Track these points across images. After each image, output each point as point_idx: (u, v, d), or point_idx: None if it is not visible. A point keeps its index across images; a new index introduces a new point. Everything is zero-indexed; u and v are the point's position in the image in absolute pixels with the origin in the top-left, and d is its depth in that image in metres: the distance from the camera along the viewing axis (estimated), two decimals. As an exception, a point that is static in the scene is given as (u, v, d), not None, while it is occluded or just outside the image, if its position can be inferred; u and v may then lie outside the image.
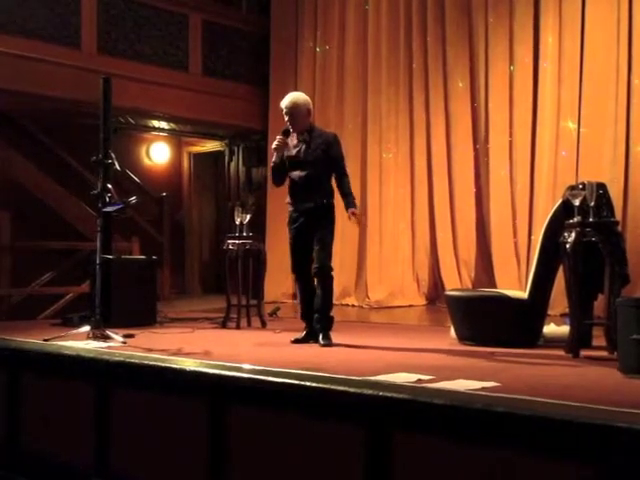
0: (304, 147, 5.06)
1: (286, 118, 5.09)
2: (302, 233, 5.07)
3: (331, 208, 5.09)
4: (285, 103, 5.08)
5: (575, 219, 4.25)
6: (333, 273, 5.08)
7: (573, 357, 4.20)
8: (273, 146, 5.11)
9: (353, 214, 5.07)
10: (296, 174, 5.09)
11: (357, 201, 8.44)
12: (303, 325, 5.21)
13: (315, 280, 5.06)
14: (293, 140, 5.13)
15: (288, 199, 5.22)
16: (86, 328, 5.18)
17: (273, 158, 5.15)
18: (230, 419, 3.67)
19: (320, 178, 5.07)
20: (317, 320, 5.02)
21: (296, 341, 5.07)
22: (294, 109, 5.06)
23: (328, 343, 4.90)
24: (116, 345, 4.89)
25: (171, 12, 9.23)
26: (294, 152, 5.09)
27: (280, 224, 9.59)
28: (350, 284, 8.70)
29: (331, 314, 5.08)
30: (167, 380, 4.01)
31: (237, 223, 6.17)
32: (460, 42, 8.28)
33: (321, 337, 4.95)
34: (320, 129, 5.34)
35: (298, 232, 5.10)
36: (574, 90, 7.34)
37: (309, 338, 5.07)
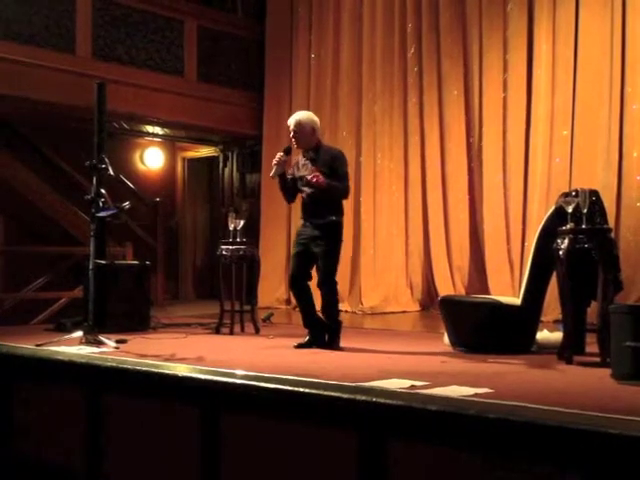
0: (310, 165, 5.13)
1: (291, 135, 5.20)
2: (306, 246, 5.11)
3: (339, 225, 5.14)
4: (290, 122, 5.21)
5: (568, 226, 4.25)
6: (337, 287, 5.16)
7: (566, 363, 4.20)
8: (273, 162, 5.18)
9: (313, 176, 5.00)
10: (305, 192, 5.17)
11: (350, 205, 8.58)
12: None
13: (321, 294, 5.12)
14: (301, 159, 5.23)
15: (301, 215, 5.30)
16: (79, 333, 5.17)
17: (271, 173, 5.20)
18: (223, 425, 3.66)
19: (328, 195, 5.10)
20: (326, 328, 5.12)
21: (299, 346, 5.08)
22: (298, 127, 5.15)
23: (333, 346, 5.01)
24: (109, 350, 4.87)
25: (166, 18, 9.23)
26: (302, 170, 5.18)
27: (274, 230, 9.66)
28: (344, 290, 8.67)
29: (339, 319, 5.17)
30: (160, 386, 4.00)
31: (231, 229, 6.16)
32: (454, 49, 8.31)
33: (327, 338, 5.07)
34: (327, 146, 5.43)
35: (302, 245, 5.14)
36: (568, 97, 7.36)
37: (311, 344, 5.10)
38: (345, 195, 5.16)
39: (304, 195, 5.19)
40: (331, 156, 5.16)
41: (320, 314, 5.17)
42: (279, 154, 5.16)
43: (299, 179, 5.19)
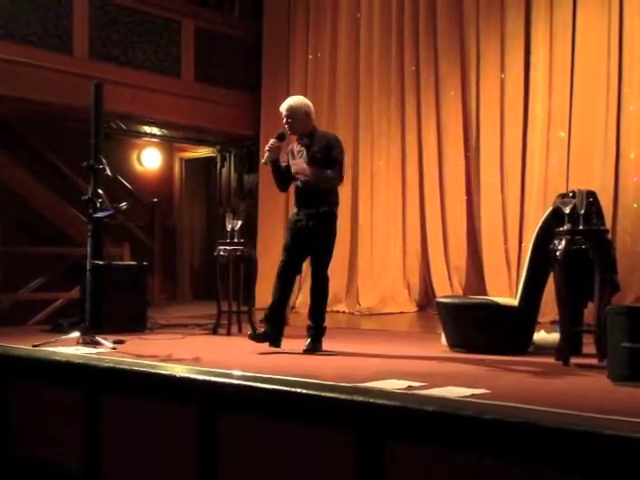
0: (305, 152, 4.99)
1: (284, 122, 5.05)
2: (299, 237, 4.98)
3: (333, 217, 4.99)
4: (283, 107, 5.05)
5: (565, 227, 4.26)
6: (329, 284, 5.01)
7: (563, 364, 4.21)
8: (266, 147, 5.04)
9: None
10: (300, 180, 5.03)
11: (348, 207, 8.57)
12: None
13: (310, 288, 5.03)
14: (296, 146, 5.08)
15: (294, 204, 5.17)
16: (76, 334, 5.17)
17: (263, 159, 5.07)
18: (220, 425, 3.66)
19: (320, 184, 4.97)
20: (308, 327, 4.99)
21: (254, 337, 4.98)
22: (291, 112, 5.00)
23: (314, 348, 4.88)
24: (106, 351, 4.87)
25: (164, 18, 9.23)
26: (298, 157, 5.03)
27: (271, 230, 9.65)
28: (341, 290, 8.70)
29: (324, 325, 5.02)
30: (157, 386, 4.00)
31: (228, 229, 6.16)
32: (451, 50, 8.31)
33: (309, 341, 4.92)
34: (323, 131, 5.29)
35: (295, 235, 5.01)
36: (565, 98, 7.37)
37: (268, 338, 4.97)
38: (338, 182, 5.01)
39: (299, 184, 5.03)
40: (327, 141, 5.02)
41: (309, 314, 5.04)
42: (272, 140, 5.00)
43: (292, 165, 5.05)
